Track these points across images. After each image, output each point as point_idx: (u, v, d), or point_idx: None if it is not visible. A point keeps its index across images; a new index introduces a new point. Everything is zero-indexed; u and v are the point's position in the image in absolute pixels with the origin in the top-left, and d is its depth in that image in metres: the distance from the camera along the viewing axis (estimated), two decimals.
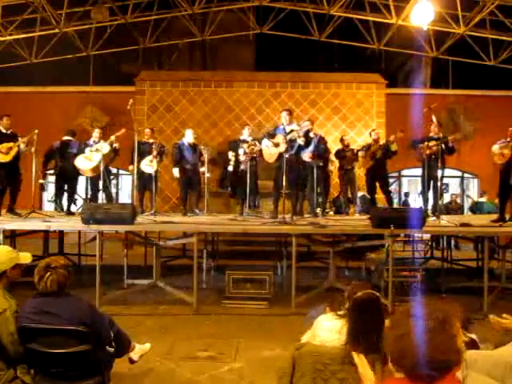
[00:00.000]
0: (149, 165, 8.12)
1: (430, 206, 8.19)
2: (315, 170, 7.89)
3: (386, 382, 1.62)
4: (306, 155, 7.57)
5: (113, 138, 8.11)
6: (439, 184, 7.47)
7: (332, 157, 9.33)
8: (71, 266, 3.10)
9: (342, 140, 9.43)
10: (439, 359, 1.40)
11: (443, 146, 7.30)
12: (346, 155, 9.06)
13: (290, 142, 6.89)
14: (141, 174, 8.16)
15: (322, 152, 8.09)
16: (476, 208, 12.16)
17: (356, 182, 9.39)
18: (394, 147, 8.28)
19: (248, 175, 7.69)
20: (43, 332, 2.67)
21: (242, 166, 8.08)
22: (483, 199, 12.26)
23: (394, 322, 1.53)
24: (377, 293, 2.64)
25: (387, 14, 11.71)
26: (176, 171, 8.43)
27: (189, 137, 8.52)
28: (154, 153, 8.05)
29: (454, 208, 12.15)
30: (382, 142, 8.77)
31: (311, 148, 7.56)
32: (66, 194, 8.74)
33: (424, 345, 1.39)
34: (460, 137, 10.70)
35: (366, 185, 8.90)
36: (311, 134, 7.51)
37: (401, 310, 1.58)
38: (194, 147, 8.49)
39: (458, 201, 13.15)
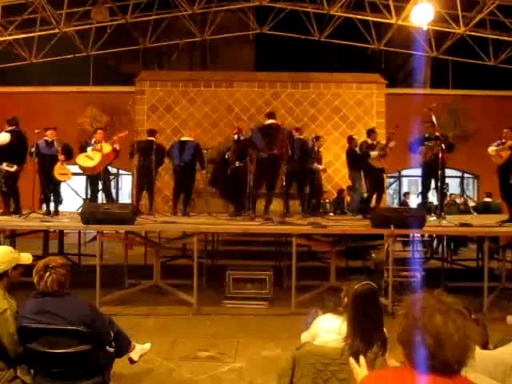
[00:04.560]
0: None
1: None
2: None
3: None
4: None
5: (115, 138, 8.08)
6: (439, 184, 7.43)
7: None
8: (70, 265, 3.10)
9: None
10: (466, 356, 1.36)
11: (443, 145, 7.26)
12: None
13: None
14: (143, 172, 8.21)
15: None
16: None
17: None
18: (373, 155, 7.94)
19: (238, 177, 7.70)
20: (43, 332, 2.67)
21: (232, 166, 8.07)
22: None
23: (419, 317, 1.39)
24: (373, 284, 2.63)
25: (387, 14, 11.72)
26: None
27: (185, 136, 8.60)
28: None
29: (464, 209, 11.88)
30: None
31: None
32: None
33: (459, 341, 1.34)
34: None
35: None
36: None
37: (424, 302, 1.43)
38: (183, 146, 8.32)
39: (458, 201, 13.07)
